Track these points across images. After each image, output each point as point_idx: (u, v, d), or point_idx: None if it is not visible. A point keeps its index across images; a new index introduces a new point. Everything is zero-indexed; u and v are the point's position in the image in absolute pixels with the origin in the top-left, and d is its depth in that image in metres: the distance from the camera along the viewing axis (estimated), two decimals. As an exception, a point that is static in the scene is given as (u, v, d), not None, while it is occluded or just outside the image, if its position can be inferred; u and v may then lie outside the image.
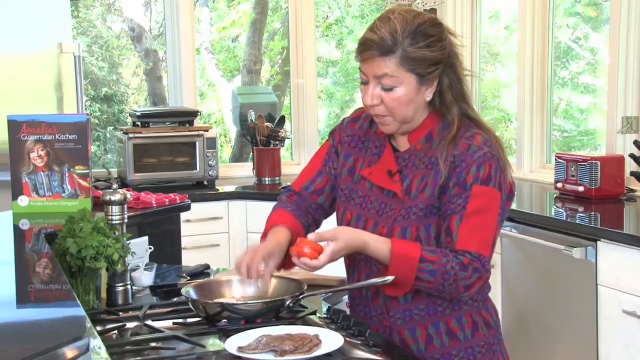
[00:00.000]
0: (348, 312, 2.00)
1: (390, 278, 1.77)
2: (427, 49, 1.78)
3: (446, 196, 1.81)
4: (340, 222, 1.96)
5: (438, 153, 1.82)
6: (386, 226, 1.85)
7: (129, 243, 2.16)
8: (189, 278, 2.50)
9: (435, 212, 1.83)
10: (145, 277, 2.40)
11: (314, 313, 1.95)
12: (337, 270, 2.08)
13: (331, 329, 1.78)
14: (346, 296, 2.24)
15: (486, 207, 1.80)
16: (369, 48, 1.78)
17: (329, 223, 2.03)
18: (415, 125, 1.87)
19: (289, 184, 4.63)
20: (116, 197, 2.16)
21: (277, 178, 4.71)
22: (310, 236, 1.81)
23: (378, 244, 1.80)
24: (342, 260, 1.94)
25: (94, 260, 2.00)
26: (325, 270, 2.35)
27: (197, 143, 4.49)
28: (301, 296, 1.92)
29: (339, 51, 6.40)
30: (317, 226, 2.05)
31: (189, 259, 3.42)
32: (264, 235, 1.94)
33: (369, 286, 1.85)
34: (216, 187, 4.55)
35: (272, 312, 1.87)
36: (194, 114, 4.64)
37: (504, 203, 1.84)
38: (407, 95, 1.80)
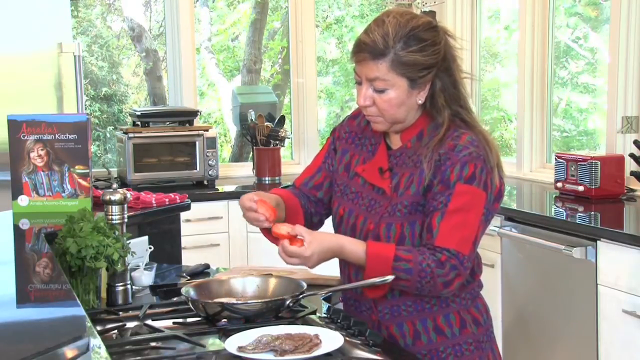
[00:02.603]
0: (342, 307, 2.03)
1: (389, 278, 1.78)
2: (419, 54, 1.80)
3: (430, 193, 1.83)
4: (334, 217, 2.01)
5: (423, 153, 1.84)
6: (374, 222, 1.88)
7: (129, 243, 2.16)
8: (189, 278, 2.50)
9: (420, 210, 1.85)
10: (145, 277, 2.40)
11: (313, 313, 1.95)
12: (336, 270, 2.09)
13: (331, 328, 1.78)
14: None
15: (468, 206, 1.81)
16: (361, 50, 1.81)
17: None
18: (408, 125, 1.90)
19: (289, 183, 4.66)
20: (116, 196, 2.16)
21: (277, 178, 4.71)
22: (286, 229, 1.84)
23: (354, 246, 1.84)
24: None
25: (94, 260, 2.00)
26: (325, 270, 2.36)
27: (197, 143, 4.50)
28: (301, 296, 1.92)
29: (339, 50, 6.40)
30: (320, 219, 2.09)
31: (189, 259, 3.42)
32: None
33: (369, 286, 1.86)
34: (216, 187, 4.55)
35: (272, 311, 1.87)
36: (194, 113, 4.64)
37: (490, 203, 1.85)
38: (398, 98, 1.82)
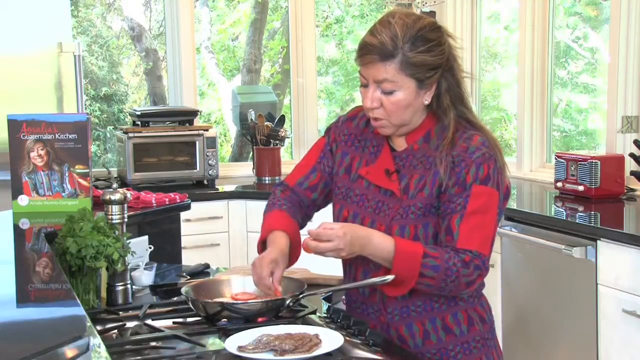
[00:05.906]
0: (345, 308, 2.01)
1: (389, 277, 1.78)
2: (427, 54, 1.79)
3: (446, 196, 1.82)
4: (336, 219, 1.98)
5: (437, 157, 1.84)
6: (384, 224, 1.86)
7: (129, 242, 2.16)
8: (189, 277, 2.50)
9: (433, 212, 1.84)
10: (145, 277, 2.39)
11: (314, 312, 1.95)
12: (337, 270, 2.09)
13: (331, 328, 1.78)
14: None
15: (485, 207, 1.82)
16: (369, 52, 1.79)
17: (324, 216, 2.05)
18: (413, 127, 1.89)
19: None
20: (116, 196, 2.16)
21: (277, 177, 4.71)
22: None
23: (382, 239, 1.80)
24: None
25: (94, 259, 2.00)
26: (325, 270, 2.35)
27: (197, 142, 4.50)
28: (301, 296, 1.92)
29: (339, 50, 6.40)
30: (310, 221, 2.08)
31: (189, 259, 3.43)
32: (262, 239, 1.94)
33: (369, 286, 1.86)
34: (216, 187, 4.55)
35: (272, 311, 1.87)
36: (194, 113, 4.64)
37: (501, 202, 1.87)
38: (406, 99, 1.82)
